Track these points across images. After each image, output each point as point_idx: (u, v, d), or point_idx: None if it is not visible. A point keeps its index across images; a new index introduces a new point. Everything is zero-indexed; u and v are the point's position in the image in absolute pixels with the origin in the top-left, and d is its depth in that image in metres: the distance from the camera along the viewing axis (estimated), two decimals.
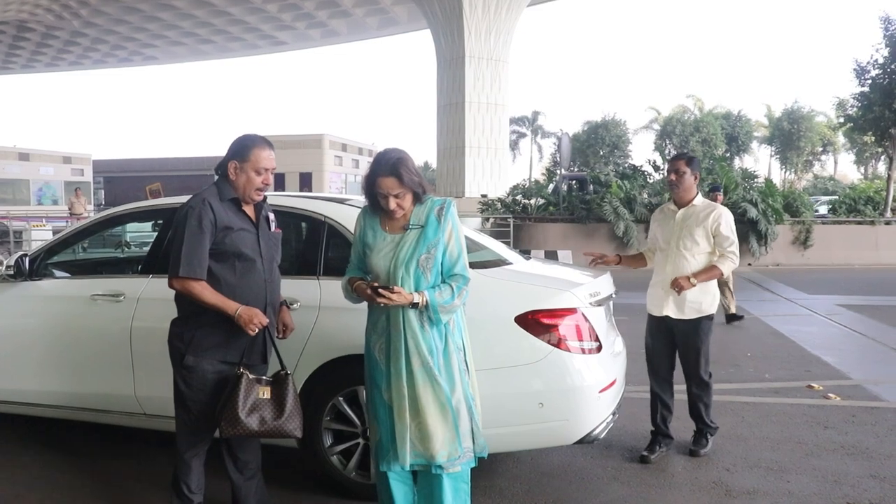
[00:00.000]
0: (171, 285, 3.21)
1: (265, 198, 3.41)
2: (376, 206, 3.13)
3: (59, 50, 52.90)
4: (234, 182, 3.27)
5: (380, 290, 2.92)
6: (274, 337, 3.35)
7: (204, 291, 3.16)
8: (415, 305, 2.97)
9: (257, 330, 3.16)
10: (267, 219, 3.43)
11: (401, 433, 3.02)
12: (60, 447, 4.68)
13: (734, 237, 4.61)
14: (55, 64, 57.65)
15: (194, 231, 3.14)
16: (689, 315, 4.58)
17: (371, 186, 3.09)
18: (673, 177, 4.64)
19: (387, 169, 3.03)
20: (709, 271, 4.54)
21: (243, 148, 3.27)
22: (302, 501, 3.82)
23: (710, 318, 4.63)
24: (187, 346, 3.24)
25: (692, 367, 4.64)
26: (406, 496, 3.21)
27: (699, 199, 4.70)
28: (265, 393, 3.17)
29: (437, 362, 3.02)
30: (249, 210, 3.35)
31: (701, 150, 42.69)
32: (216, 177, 3.35)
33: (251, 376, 3.18)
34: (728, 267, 4.58)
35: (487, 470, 4.17)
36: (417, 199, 3.10)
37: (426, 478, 3.12)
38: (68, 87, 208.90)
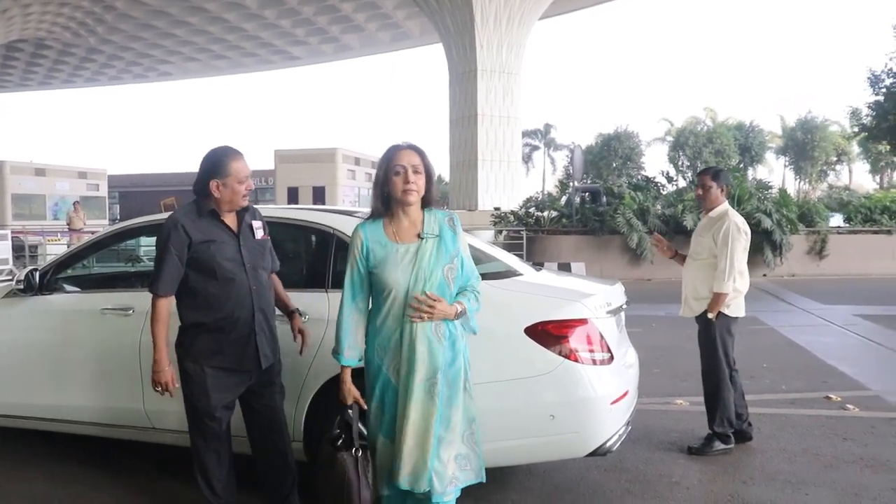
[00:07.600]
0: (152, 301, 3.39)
1: (249, 206, 3.48)
2: (386, 202, 2.95)
3: (75, 67, 53.47)
4: (219, 199, 3.34)
5: (419, 300, 2.82)
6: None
7: (161, 312, 3.34)
8: (458, 316, 2.90)
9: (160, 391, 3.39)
10: (251, 226, 3.48)
11: (399, 451, 2.85)
12: (66, 461, 4.66)
13: (729, 251, 4.61)
14: (72, 81, 58.29)
15: (163, 251, 3.31)
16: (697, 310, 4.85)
17: (387, 163, 2.91)
18: (699, 191, 4.85)
19: (407, 145, 2.97)
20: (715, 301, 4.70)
21: (219, 164, 3.33)
22: None
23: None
24: (186, 352, 3.41)
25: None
26: None
27: (718, 210, 4.83)
28: None
29: (444, 380, 2.86)
30: (231, 220, 3.41)
31: (714, 161, 42.61)
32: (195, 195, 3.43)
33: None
34: (721, 285, 4.66)
35: (500, 483, 4.11)
36: (424, 202, 2.99)
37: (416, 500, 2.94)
38: (84, 104, 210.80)
